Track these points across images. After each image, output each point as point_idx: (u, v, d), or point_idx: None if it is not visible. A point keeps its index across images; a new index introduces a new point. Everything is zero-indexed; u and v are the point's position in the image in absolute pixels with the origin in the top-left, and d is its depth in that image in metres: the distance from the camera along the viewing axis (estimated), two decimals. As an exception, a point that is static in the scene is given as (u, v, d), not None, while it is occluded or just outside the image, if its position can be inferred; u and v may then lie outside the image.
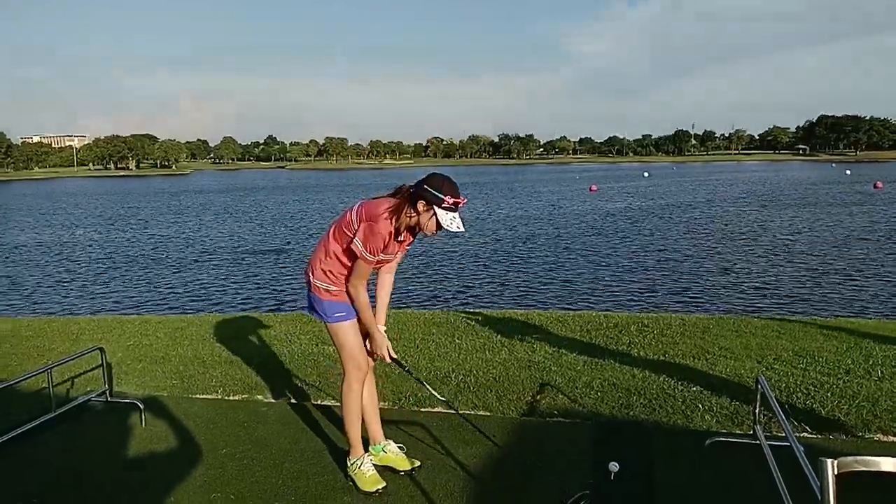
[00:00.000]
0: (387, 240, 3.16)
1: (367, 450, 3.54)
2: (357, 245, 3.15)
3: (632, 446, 3.75)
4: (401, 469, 3.53)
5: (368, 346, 3.51)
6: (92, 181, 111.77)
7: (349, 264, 3.28)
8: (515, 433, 3.99)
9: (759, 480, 3.12)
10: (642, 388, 4.65)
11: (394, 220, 3.14)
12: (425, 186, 3.11)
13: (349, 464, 3.45)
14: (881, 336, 5.93)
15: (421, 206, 3.12)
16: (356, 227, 3.17)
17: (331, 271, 3.31)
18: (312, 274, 3.34)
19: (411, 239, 3.37)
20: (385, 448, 3.59)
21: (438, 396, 3.78)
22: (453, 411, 4.02)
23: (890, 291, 13.18)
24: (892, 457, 1.59)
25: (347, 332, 3.36)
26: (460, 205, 3.13)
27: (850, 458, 1.57)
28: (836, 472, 1.55)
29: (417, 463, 3.58)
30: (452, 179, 3.15)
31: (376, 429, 3.63)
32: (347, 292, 3.32)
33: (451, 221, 3.10)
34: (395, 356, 3.46)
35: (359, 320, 3.39)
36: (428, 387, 3.70)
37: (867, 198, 36.44)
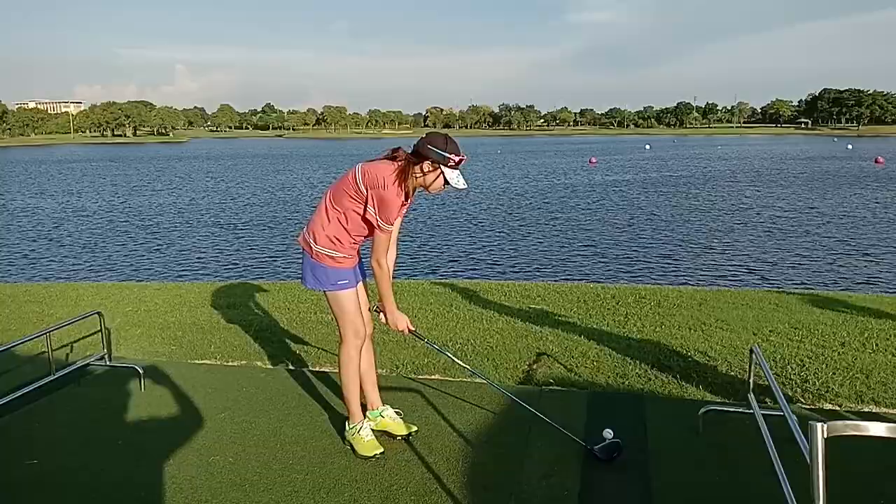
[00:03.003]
0: (398, 204, 3.17)
1: (365, 415, 3.57)
2: (373, 217, 3.16)
3: (626, 414, 3.79)
4: (398, 434, 3.57)
5: (366, 314, 3.53)
6: (89, 148, 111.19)
7: (352, 228, 3.28)
8: (512, 401, 4.02)
9: (752, 448, 3.16)
10: (638, 358, 4.68)
11: (403, 185, 3.15)
12: (429, 147, 3.12)
13: (348, 428, 3.49)
14: (877, 310, 5.96)
15: (427, 166, 3.14)
16: (363, 192, 3.16)
17: (336, 237, 3.29)
18: (315, 241, 3.29)
19: (411, 200, 3.37)
20: (382, 413, 3.63)
21: (460, 363, 3.79)
22: (470, 379, 4.03)
23: (887, 267, 13.22)
24: (882, 422, 1.61)
25: (348, 299, 3.36)
26: (463, 162, 3.16)
27: (840, 423, 1.59)
28: (825, 436, 1.56)
29: (414, 428, 3.62)
30: (451, 137, 3.17)
31: (374, 395, 3.66)
32: (355, 262, 3.38)
33: (457, 179, 3.16)
34: (413, 328, 3.48)
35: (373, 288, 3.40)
36: (449, 355, 3.72)
37: (867, 174, 36.34)
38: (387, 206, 3.12)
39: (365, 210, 3.19)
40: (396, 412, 3.67)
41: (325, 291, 3.37)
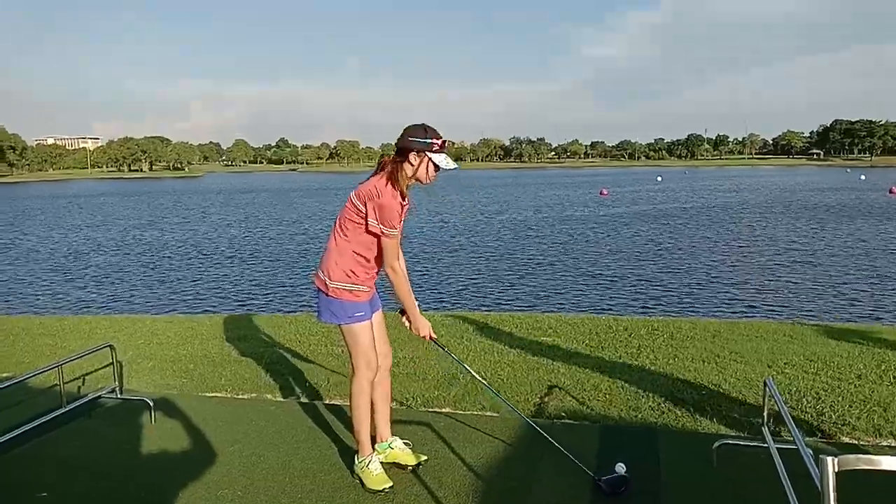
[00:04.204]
0: (398, 208, 3.22)
1: (374, 447, 3.55)
2: (376, 227, 3.19)
3: (639, 447, 3.74)
4: (407, 464, 3.55)
5: (384, 347, 3.57)
6: (106, 183, 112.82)
7: (367, 255, 3.30)
8: (522, 434, 3.98)
9: (766, 482, 3.11)
10: (651, 391, 4.63)
11: (396, 186, 3.21)
12: (410, 139, 3.19)
13: (357, 462, 3.46)
14: (894, 341, 5.87)
15: (413, 157, 3.21)
16: (362, 210, 3.21)
17: (352, 270, 3.30)
18: (330, 277, 3.29)
19: (408, 203, 3.39)
20: (392, 444, 3.62)
21: (476, 376, 3.88)
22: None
23: (904, 297, 13.06)
24: (894, 456, 1.58)
25: (364, 331, 3.36)
26: (446, 144, 3.23)
27: (851, 457, 1.56)
28: (836, 470, 1.54)
29: (424, 458, 3.61)
30: (428, 125, 3.23)
31: (384, 427, 3.65)
32: (372, 294, 3.43)
33: (445, 161, 3.23)
34: (434, 336, 3.51)
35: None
36: (467, 367, 3.84)
37: (881, 204, 36.12)
38: (386, 211, 3.16)
39: (367, 225, 3.21)
40: (405, 443, 3.66)
41: (340, 325, 3.37)
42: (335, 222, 3.37)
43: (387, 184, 3.19)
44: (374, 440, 3.59)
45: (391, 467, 3.52)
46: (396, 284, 3.31)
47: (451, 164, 3.24)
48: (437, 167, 3.23)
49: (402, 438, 3.67)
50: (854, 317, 11.45)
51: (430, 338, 3.50)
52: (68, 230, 31.35)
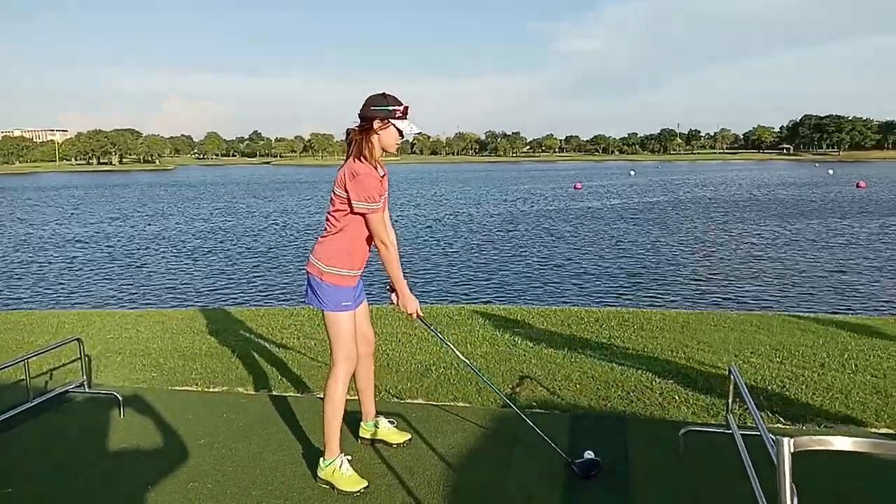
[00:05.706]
0: (376, 181, 3.22)
1: (359, 426, 3.74)
2: (360, 206, 3.18)
3: (609, 436, 3.79)
4: (394, 442, 3.70)
5: (369, 331, 3.62)
6: (74, 175, 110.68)
7: (358, 240, 3.30)
8: (494, 424, 4.02)
9: (730, 467, 3.18)
10: (620, 381, 4.70)
11: (368, 158, 3.22)
12: (372, 108, 3.22)
13: (322, 465, 3.33)
14: (857, 331, 6.02)
15: (377, 125, 3.22)
16: (345, 195, 3.20)
17: (344, 255, 3.29)
18: (323, 262, 3.29)
19: (385, 176, 3.40)
20: (377, 423, 3.73)
21: (461, 356, 3.84)
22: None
23: (867, 288, 13.38)
24: (846, 437, 1.63)
25: (347, 321, 3.33)
26: (409, 110, 3.27)
27: (805, 438, 1.61)
28: (792, 451, 1.58)
29: (408, 436, 3.75)
30: (388, 92, 3.27)
31: (370, 406, 3.74)
32: (357, 280, 3.44)
33: (409, 127, 3.28)
34: (421, 314, 3.49)
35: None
36: (452, 347, 3.83)
37: (849, 198, 36.87)
38: (365, 185, 3.16)
39: (352, 208, 3.20)
40: (390, 421, 3.79)
41: (325, 312, 3.35)
42: (326, 214, 3.37)
43: (357, 161, 3.21)
44: (359, 419, 3.75)
45: (377, 442, 3.71)
46: (386, 259, 3.29)
47: (415, 130, 3.28)
48: (401, 133, 3.27)
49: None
50: (819, 308, 11.69)
51: (417, 315, 3.46)
52: (35, 224, 30.72)
